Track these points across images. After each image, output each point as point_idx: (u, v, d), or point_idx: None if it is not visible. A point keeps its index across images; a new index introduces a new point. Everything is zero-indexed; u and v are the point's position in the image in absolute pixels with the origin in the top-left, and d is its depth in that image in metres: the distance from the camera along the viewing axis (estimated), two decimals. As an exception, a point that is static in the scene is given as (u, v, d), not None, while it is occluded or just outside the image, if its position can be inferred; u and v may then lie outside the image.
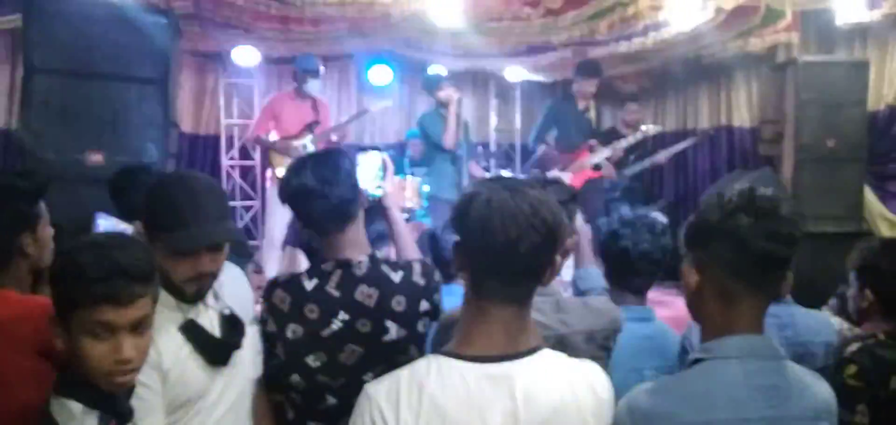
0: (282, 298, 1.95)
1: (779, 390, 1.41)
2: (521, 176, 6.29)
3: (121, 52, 4.40)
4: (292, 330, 1.92)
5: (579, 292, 2.39)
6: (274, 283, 2.02)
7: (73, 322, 1.44)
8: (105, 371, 1.44)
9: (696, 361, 1.46)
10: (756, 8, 5.46)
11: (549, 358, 1.35)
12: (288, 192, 1.97)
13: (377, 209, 2.30)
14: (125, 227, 2.39)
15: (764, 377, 1.41)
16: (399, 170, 6.83)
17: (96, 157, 4.29)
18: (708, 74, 7.39)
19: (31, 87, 4.34)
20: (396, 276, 1.96)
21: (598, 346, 1.86)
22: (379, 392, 1.31)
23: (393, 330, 1.92)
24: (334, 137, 6.07)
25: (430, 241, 2.84)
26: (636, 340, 2.16)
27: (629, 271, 2.31)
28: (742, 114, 7.12)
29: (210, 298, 1.82)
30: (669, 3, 5.27)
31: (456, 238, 1.36)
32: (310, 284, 1.94)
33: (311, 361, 1.91)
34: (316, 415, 1.95)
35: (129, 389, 1.54)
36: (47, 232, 2.00)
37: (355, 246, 1.98)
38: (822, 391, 1.49)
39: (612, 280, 2.37)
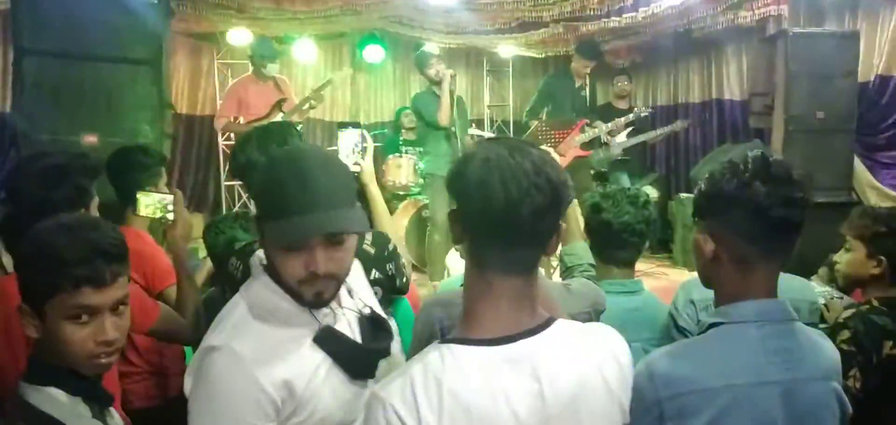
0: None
1: (793, 352, 1.44)
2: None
3: (113, 32, 4.36)
4: None
5: (566, 267, 2.40)
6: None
7: (50, 308, 1.39)
8: (88, 354, 1.40)
9: (713, 326, 1.49)
10: (746, -20, 5.49)
11: (565, 329, 1.25)
12: (235, 166, 1.99)
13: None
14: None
15: (780, 340, 1.44)
16: (394, 149, 6.87)
17: (91, 139, 4.28)
18: (698, 48, 7.42)
19: (22, 69, 4.32)
20: None
21: None
22: (392, 393, 1.16)
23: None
24: (312, 104, 6.16)
25: None
26: (623, 313, 2.16)
27: (612, 244, 2.31)
28: (732, 87, 7.18)
29: (344, 297, 1.58)
30: (660, -23, 5.29)
31: (452, 206, 1.25)
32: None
33: None
34: None
35: (102, 375, 1.51)
36: (95, 213, 2.06)
37: None
38: (830, 351, 1.53)
39: (597, 254, 2.38)
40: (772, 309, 1.47)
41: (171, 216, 2.30)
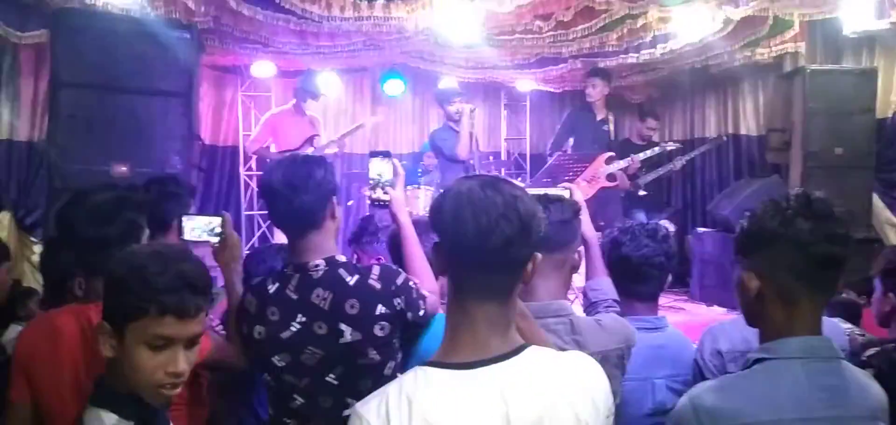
0: (250, 301, 2.03)
1: (839, 390, 1.44)
2: (520, 182, 6.40)
3: (146, 65, 4.50)
4: (258, 332, 1.99)
5: (590, 302, 2.39)
6: (247, 288, 2.10)
7: (129, 331, 1.40)
8: (156, 383, 1.42)
9: (757, 361, 1.48)
10: (764, 18, 5.52)
11: (536, 355, 1.33)
12: (261, 187, 2.06)
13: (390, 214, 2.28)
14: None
15: (825, 377, 1.44)
16: (413, 180, 6.96)
17: (122, 169, 4.38)
18: (715, 84, 7.47)
19: (58, 101, 4.44)
20: (351, 279, 1.96)
21: (613, 365, 1.87)
22: (368, 410, 1.27)
23: (347, 333, 1.93)
24: (335, 148, 6.41)
25: None
26: (647, 350, 2.16)
27: (633, 278, 2.32)
28: (749, 123, 7.21)
29: None
30: (678, 15, 5.33)
31: (435, 239, 1.35)
32: (272, 287, 2.00)
33: (277, 361, 1.97)
34: (289, 413, 2.01)
35: (166, 406, 1.53)
36: None
37: (318, 251, 2.00)
38: (877, 391, 1.53)
39: (620, 289, 2.37)
40: (817, 345, 1.47)
41: (216, 239, 2.28)
